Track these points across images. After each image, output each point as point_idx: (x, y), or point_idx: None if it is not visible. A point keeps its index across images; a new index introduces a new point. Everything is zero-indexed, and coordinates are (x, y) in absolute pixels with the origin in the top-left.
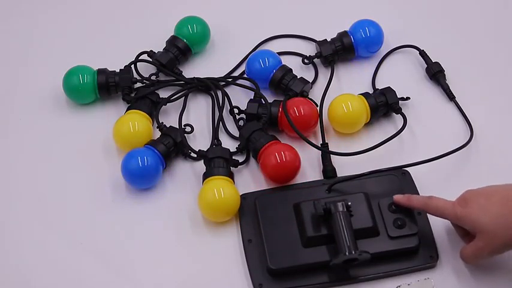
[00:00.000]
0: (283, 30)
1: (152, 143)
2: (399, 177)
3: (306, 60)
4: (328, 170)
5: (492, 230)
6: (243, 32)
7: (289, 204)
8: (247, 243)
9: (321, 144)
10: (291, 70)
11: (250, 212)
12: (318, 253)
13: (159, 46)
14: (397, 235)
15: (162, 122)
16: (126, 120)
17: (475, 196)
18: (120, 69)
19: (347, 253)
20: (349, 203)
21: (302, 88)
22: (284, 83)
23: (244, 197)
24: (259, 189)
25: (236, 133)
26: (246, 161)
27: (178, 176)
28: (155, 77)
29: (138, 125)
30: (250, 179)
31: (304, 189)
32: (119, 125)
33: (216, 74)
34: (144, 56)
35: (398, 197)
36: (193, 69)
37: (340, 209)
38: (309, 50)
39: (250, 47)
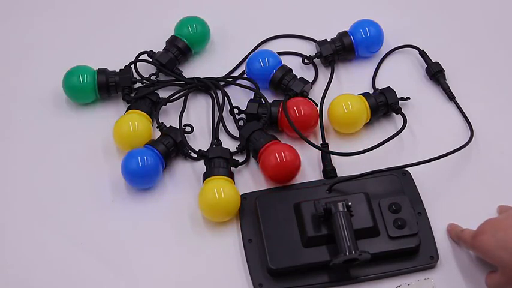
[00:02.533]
0: (283, 30)
1: (152, 143)
2: (399, 177)
3: (306, 60)
4: (328, 170)
5: None
6: (243, 32)
7: (290, 204)
8: (247, 243)
9: (321, 144)
10: (291, 70)
11: (250, 212)
12: (318, 253)
13: (159, 46)
14: (398, 235)
15: (162, 122)
16: (126, 120)
17: (493, 229)
18: (120, 69)
19: (347, 253)
20: (350, 203)
21: (302, 88)
22: (284, 83)
23: (244, 197)
24: (259, 189)
25: (236, 133)
26: (246, 161)
27: (178, 176)
28: (155, 77)
29: (138, 125)
30: (250, 179)
31: (305, 189)
32: (119, 125)
33: (216, 74)
34: (144, 56)
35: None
36: (193, 69)
37: (341, 209)
38: (309, 50)
39: (250, 47)
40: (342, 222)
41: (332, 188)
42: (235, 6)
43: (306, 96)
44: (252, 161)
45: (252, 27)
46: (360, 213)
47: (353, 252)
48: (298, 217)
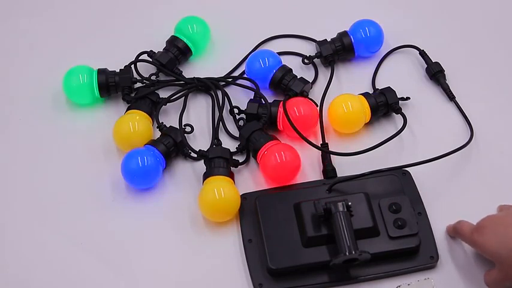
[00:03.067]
0: (283, 30)
1: (152, 143)
2: (399, 177)
3: (306, 60)
4: (328, 170)
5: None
6: (243, 32)
7: (290, 204)
8: (247, 243)
9: (321, 144)
10: (291, 70)
11: (250, 212)
12: (318, 253)
13: (159, 46)
14: (398, 235)
15: (162, 122)
16: (126, 120)
17: (493, 224)
18: (120, 69)
19: (347, 253)
20: (350, 203)
21: (302, 88)
22: (284, 83)
23: (244, 197)
24: (259, 189)
25: (236, 133)
26: (246, 161)
27: (178, 176)
28: (155, 77)
29: (138, 125)
30: (250, 179)
31: (305, 189)
32: (119, 125)
33: (216, 74)
34: (144, 56)
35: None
36: (193, 69)
37: (341, 209)
38: (309, 50)
39: (250, 47)
40: (342, 222)
41: (332, 188)
42: (235, 6)
43: (306, 96)
44: (252, 161)
45: (252, 27)
46: (360, 213)
47: (353, 252)
48: (298, 217)
